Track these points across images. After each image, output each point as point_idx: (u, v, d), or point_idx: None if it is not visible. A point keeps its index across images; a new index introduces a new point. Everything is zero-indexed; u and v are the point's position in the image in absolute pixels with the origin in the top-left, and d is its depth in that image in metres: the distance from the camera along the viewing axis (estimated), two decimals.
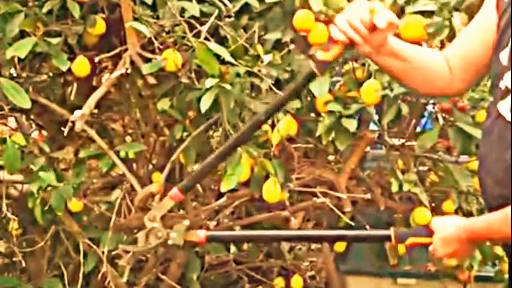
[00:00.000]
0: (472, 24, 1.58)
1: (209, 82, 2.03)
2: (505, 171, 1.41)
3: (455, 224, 1.48)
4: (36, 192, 2.01)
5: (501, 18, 1.48)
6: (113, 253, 2.18)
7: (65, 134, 2.16)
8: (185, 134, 2.29)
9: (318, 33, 2.10)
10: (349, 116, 2.20)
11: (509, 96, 1.41)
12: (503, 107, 1.43)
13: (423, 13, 2.05)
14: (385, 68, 1.57)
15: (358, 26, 1.41)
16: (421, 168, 2.53)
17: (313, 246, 3.18)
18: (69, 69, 2.19)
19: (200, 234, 1.64)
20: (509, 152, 1.39)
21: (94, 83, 2.55)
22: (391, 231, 1.52)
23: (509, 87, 1.41)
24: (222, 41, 2.19)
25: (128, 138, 2.67)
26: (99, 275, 2.27)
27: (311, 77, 1.53)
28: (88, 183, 2.32)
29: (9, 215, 2.07)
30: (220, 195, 2.47)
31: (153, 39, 2.05)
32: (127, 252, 1.72)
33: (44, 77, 2.40)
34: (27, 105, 1.94)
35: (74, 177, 2.17)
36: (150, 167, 2.64)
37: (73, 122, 2.08)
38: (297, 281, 2.66)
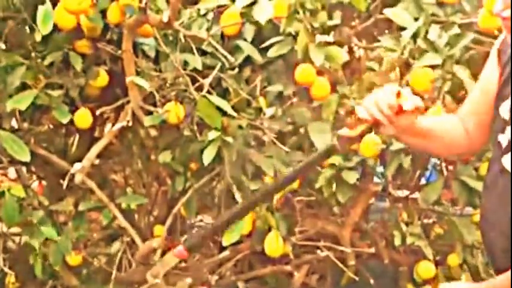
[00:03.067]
0: (480, 81, 1.58)
1: (211, 135, 2.02)
2: (509, 226, 1.38)
3: None
4: (38, 248, 1.97)
5: (502, 72, 1.48)
6: None
7: (65, 186, 2.15)
8: (187, 184, 2.28)
9: (319, 86, 2.11)
10: (350, 168, 2.19)
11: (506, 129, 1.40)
12: (506, 161, 1.42)
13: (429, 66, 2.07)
14: (408, 144, 1.61)
15: (384, 107, 1.42)
16: (425, 221, 2.50)
17: None
18: (71, 120, 2.19)
19: None
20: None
21: (96, 133, 2.54)
22: None
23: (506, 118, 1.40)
24: (225, 93, 2.19)
25: (129, 190, 2.65)
26: None
27: (332, 152, 1.51)
28: (88, 235, 2.28)
29: (6, 269, 2.03)
30: (222, 247, 2.44)
31: (154, 92, 2.05)
32: None
33: (45, 128, 2.38)
34: (26, 158, 1.93)
35: (73, 230, 2.14)
36: (152, 218, 2.61)
37: (73, 174, 2.07)
38: None
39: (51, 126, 2.41)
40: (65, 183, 2.00)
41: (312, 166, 1.60)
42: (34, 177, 2.55)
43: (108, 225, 2.39)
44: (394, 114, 1.43)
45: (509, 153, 1.41)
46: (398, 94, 1.43)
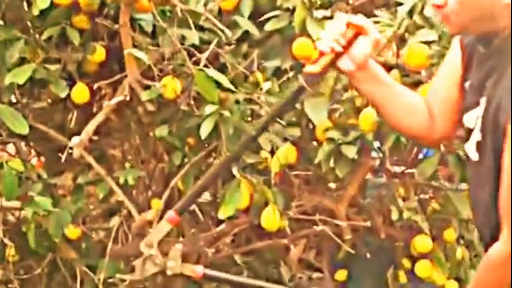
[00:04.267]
0: (443, 67, 1.59)
1: (208, 109, 2.03)
2: (484, 207, 1.43)
3: None
4: (31, 217, 1.99)
5: (464, 54, 1.49)
6: (110, 280, 2.16)
7: (63, 160, 2.16)
8: (185, 160, 2.29)
9: None
10: (348, 143, 2.20)
11: (471, 138, 1.43)
12: (468, 148, 1.45)
13: (424, 42, 2.07)
14: (368, 96, 1.59)
15: (336, 35, 1.50)
16: (422, 196, 2.52)
17: (315, 275, 3.15)
18: (69, 96, 2.20)
19: (197, 270, 1.63)
20: (485, 191, 1.42)
21: (94, 109, 2.55)
22: None
23: (471, 127, 1.43)
24: (222, 69, 2.20)
25: (127, 165, 2.67)
26: None
27: (301, 91, 1.56)
28: (86, 210, 2.31)
29: (6, 241, 2.05)
30: (220, 222, 2.46)
31: (152, 66, 2.06)
32: (124, 280, 1.70)
33: (44, 103, 2.40)
34: (25, 131, 1.94)
35: (72, 204, 2.16)
36: (149, 193, 2.63)
37: (71, 148, 2.09)
38: None
39: (49, 101, 2.42)
40: (63, 157, 2.01)
41: (284, 109, 1.67)
42: (32, 152, 2.57)
43: (106, 200, 2.41)
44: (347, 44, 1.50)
45: (469, 140, 1.44)
46: (348, 25, 1.51)
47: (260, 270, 2.71)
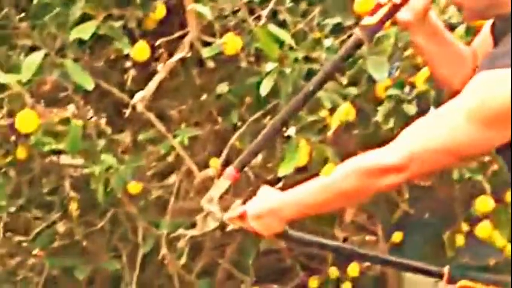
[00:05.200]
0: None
1: (270, 66, 2.02)
2: None
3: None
4: (98, 174, 2.03)
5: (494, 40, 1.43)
6: (171, 236, 2.20)
7: (125, 116, 2.19)
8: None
9: None
10: (409, 101, 2.17)
11: None
12: None
13: None
14: (425, 51, 1.56)
15: None
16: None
17: (368, 237, 3.15)
18: (127, 56, 2.21)
19: None
20: None
21: (152, 69, 2.57)
22: (445, 269, 1.50)
23: None
24: (280, 27, 2.18)
25: (183, 126, 2.69)
26: (156, 258, 2.29)
27: (358, 44, 1.52)
28: (145, 168, 2.34)
29: (72, 193, 2.10)
30: (277, 178, 2.46)
31: (213, 22, 2.05)
32: (185, 235, 1.72)
33: (103, 60, 2.42)
34: (90, 86, 1.97)
35: (133, 160, 2.19)
36: (206, 153, 2.65)
37: (132, 107, 2.11)
38: (353, 268, 2.63)
39: (110, 59, 2.45)
40: (127, 112, 2.04)
41: (341, 62, 1.60)
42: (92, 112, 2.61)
43: (165, 158, 2.45)
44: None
45: None
46: None
47: (314, 230, 2.72)
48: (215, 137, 2.60)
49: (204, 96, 2.57)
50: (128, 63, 2.63)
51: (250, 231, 1.54)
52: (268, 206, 1.44)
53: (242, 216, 1.50)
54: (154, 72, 2.40)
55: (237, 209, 1.52)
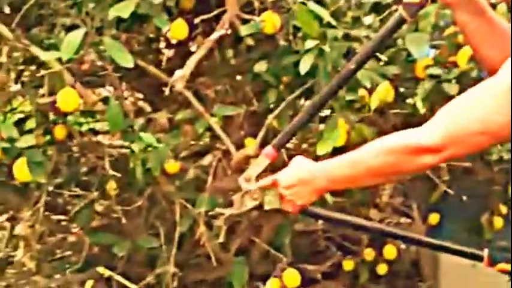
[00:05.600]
0: None
1: (309, 43, 2.00)
2: None
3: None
4: (138, 152, 2.04)
5: None
6: (209, 214, 2.20)
7: (163, 96, 2.19)
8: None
9: None
10: (449, 81, 2.14)
11: None
12: None
13: None
14: (466, 28, 1.52)
15: None
16: None
17: (403, 219, 3.12)
18: (162, 37, 2.20)
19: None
20: None
21: (186, 49, 2.57)
22: (484, 253, 1.48)
23: None
24: (319, 5, 2.15)
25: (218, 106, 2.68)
26: (193, 236, 2.30)
27: (401, 23, 1.50)
28: (184, 146, 2.34)
29: (111, 172, 2.11)
30: (316, 157, 2.45)
31: (252, 0, 2.04)
32: (222, 214, 1.72)
33: (141, 38, 2.43)
34: (130, 64, 1.96)
35: (170, 139, 2.20)
36: (242, 133, 2.64)
37: (168, 85, 2.10)
38: (390, 250, 2.61)
39: (145, 39, 2.45)
40: (166, 91, 2.04)
41: (383, 41, 1.57)
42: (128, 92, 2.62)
43: (199, 140, 2.45)
44: None
45: None
46: None
47: (350, 211, 2.71)
48: (251, 117, 2.60)
49: (238, 78, 2.56)
50: (163, 44, 2.65)
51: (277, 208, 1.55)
52: (300, 176, 1.44)
53: (274, 185, 1.50)
54: (189, 53, 2.41)
55: (270, 178, 1.52)
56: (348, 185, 1.46)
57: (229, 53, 2.50)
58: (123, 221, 2.27)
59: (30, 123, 2.33)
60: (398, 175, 1.37)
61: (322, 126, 2.21)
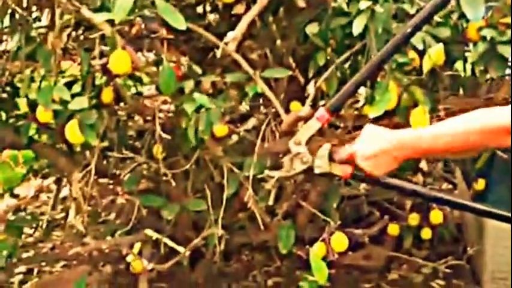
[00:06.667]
0: None
1: (363, 4, 1.97)
2: None
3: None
4: (190, 113, 2.04)
5: None
6: (256, 177, 2.21)
7: (209, 58, 2.18)
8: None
9: None
10: (504, 43, 2.10)
11: None
12: None
13: None
14: None
15: None
16: None
17: (444, 185, 3.11)
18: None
19: (346, 170, 1.56)
20: None
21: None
22: None
23: None
24: None
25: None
26: (241, 199, 2.31)
27: None
28: (233, 108, 2.34)
29: (163, 134, 2.12)
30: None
31: None
32: (271, 177, 1.71)
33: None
34: (182, 26, 1.95)
35: (220, 102, 2.19)
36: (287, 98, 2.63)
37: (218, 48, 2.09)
38: (436, 215, 2.61)
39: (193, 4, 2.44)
40: (218, 52, 2.03)
41: (442, 5, 1.55)
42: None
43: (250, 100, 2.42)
44: None
45: None
46: None
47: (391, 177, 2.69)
48: (298, 80, 2.58)
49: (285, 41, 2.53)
50: (209, 7, 2.63)
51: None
52: (381, 147, 1.43)
53: (351, 157, 1.49)
54: (233, 16, 2.39)
55: (346, 150, 1.51)
56: (430, 156, 1.47)
57: (280, 13, 2.47)
58: (172, 184, 2.28)
59: (77, 87, 2.35)
60: (478, 150, 1.38)
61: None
